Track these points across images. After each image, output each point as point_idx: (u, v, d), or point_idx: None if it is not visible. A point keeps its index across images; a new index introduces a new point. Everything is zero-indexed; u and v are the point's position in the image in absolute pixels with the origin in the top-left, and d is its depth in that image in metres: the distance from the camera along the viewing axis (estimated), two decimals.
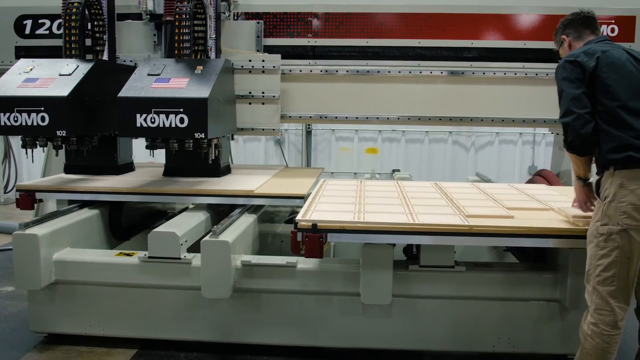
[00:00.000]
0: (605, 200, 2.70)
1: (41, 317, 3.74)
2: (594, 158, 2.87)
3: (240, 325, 3.61)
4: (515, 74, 4.92)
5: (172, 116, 3.65)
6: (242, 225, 3.75)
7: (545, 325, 3.49)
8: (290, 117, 5.10)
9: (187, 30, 4.18)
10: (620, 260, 2.65)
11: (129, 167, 4.92)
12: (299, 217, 3.14)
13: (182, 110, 3.65)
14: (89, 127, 4.13)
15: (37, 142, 3.97)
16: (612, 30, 4.98)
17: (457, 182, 4.80)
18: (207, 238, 3.40)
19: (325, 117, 5.08)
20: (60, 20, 5.24)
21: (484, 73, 4.92)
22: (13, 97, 3.81)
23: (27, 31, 5.31)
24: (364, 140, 8.82)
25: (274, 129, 4.95)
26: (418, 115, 5.01)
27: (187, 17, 4.13)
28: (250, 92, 4.89)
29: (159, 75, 3.90)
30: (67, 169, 4.73)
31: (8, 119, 3.79)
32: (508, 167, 8.69)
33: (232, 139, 5.09)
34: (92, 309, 3.69)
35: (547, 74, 4.86)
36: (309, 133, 8.79)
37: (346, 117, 5.02)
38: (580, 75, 2.75)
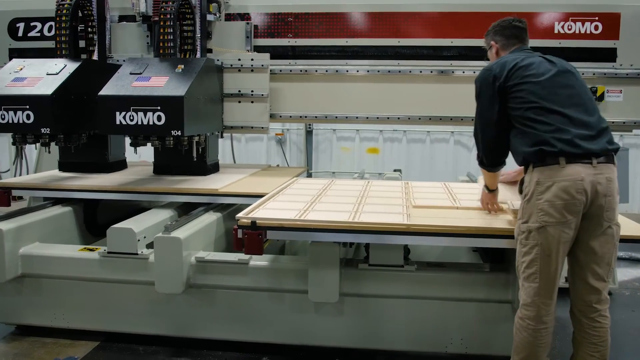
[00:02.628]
0: (525, 198, 2.73)
1: (10, 309, 3.88)
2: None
3: (195, 321, 3.68)
4: None
5: (149, 114, 3.75)
6: (201, 222, 3.82)
7: (498, 327, 3.45)
8: (280, 116, 5.19)
9: (170, 30, 4.27)
10: (541, 257, 2.67)
11: (121, 165, 5.05)
12: (240, 214, 3.20)
13: (159, 108, 3.74)
14: (76, 124, 4.26)
15: (26, 139, 4.09)
16: (596, 28, 4.90)
17: (448, 182, 4.77)
18: (159, 234, 3.48)
19: (326, 117, 5.15)
20: (51, 23, 5.46)
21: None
22: (0, 96, 3.95)
23: (20, 34, 5.50)
24: (365, 140, 8.82)
25: (262, 127, 5.02)
26: (418, 115, 5.04)
27: (171, 17, 4.22)
28: (239, 91, 4.98)
29: (140, 74, 4.01)
30: (61, 166, 4.89)
31: None
32: (512, 167, 8.54)
33: (222, 136, 5.16)
34: (57, 302, 3.82)
35: None
36: (309, 133, 8.83)
37: (348, 117, 5.09)
38: (493, 90, 2.85)
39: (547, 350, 2.79)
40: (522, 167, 2.98)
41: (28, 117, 3.94)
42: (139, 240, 3.63)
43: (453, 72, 4.93)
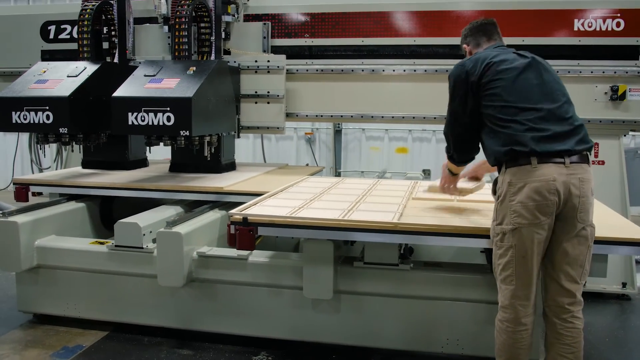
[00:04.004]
0: (498, 199, 2.69)
1: (27, 298, 4.08)
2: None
3: (197, 314, 3.78)
4: None
5: (160, 115, 3.87)
6: (205, 219, 3.92)
7: (494, 329, 3.39)
8: (297, 115, 5.27)
9: (185, 33, 4.41)
10: (516, 259, 2.63)
11: (141, 163, 5.23)
12: (234, 210, 3.27)
13: (168, 109, 3.86)
14: (95, 125, 4.43)
15: (48, 139, 4.30)
16: (618, 25, 4.77)
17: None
18: (161, 229, 3.60)
19: (351, 117, 5.22)
20: None
21: None
22: (23, 97, 4.15)
23: (51, 36, 5.77)
24: (394, 139, 8.79)
25: (278, 128, 5.11)
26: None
27: (186, 20, 4.35)
28: (256, 92, 5.08)
29: (154, 76, 4.14)
30: (84, 164, 5.10)
31: (18, 117, 4.15)
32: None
33: (238, 136, 5.26)
34: (69, 292, 3.99)
35: (557, 71, 4.63)
36: (338, 132, 8.86)
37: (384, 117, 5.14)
38: (466, 86, 2.80)
39: (529, 352, 2.75)
40: (480, 163, 3.02)
41: (48, 117, 4.12)
42: (144, 234, 3.75)
43: None
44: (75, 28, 5.66)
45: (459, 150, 2.98)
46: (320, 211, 3.33)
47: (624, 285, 4.78)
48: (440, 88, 4.84)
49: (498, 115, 2.69)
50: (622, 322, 4.31)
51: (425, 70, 4.95)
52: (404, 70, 4.98)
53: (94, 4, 4.71)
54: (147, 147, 4.58)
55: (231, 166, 5.12)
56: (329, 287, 3.40)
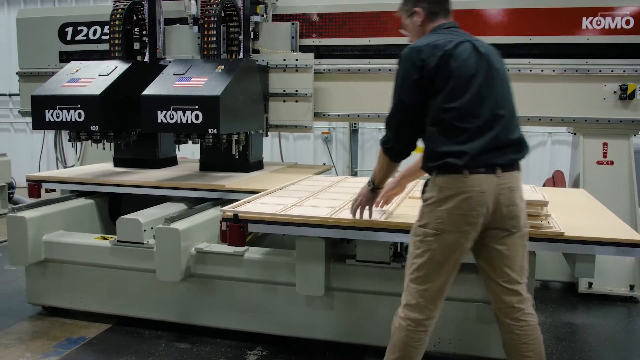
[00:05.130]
0: (426, 202, 2.61)
1: (36, 291, 4.23)
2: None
3: (196, 308, 3.87)
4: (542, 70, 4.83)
5: (188, 113, 3.93)
6: (205, 216, 4.00)
7: (486, 328, 3.39)
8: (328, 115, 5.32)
9: (214, 32, 4.48)
10: (433, 263, 2.57)
11: (171, 162, 5.34)
12: (226, 207, 3.34)
13: (197, 107, 3.92)
14: (125, 123, 4.53)
15: (80, 136, 4.42)
16: (627, 22, 4.71)
17: None
18: (160, 225, 3.69)
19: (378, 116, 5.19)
20: (95, 27, 5.86)
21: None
22: (56, 96, 4.28)
23: (69, 37, 5.93)
24: None
25: (306, 126, 5.16)
26: None
27: (215, 19, 4.42)
28: (284, 90, 5.14)
29: (183, 74, 4.20)
30: (115, 162, 5.23)
31: (51, 115, 4.26)
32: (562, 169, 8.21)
33: (266, 135, 5.32)
34: (75, 286, 4.12)
35: (565, 70, 4.77)
36: (354, 132, 8.88)
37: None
38: (419, 74, 2.54)
39: (422, 353, 2.70)
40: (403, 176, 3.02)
41: (79, 115, 4.22)
42: (144, 230, 3.86)
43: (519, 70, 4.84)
44: (92, 30, 5.87)
45: (400, 140, 2.69)
46: (311, 209, 3.38)
47: (632, 287, 4.70)
48: None
49: (442, 116, 2.54)
50: (626, 325, 4.24)
51: None
52: None
53: (125, 4, 4.83)
54: (176, 145, 4.65)
55: (259, 165, 5.17)
56: (321, 284, 3.44)
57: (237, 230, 3.22)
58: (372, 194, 2.99)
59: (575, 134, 5.14)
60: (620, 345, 3.88)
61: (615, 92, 4.71)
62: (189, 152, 8.09)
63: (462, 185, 2.48)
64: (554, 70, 4.79)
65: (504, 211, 2.54)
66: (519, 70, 4.81)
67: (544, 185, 5.50)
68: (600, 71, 4.71)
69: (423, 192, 2.67)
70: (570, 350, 3.78)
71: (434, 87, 2.55)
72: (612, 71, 4.70)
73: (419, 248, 2.61)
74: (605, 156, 4.83)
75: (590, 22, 4.72)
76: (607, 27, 4.69)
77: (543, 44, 4.80)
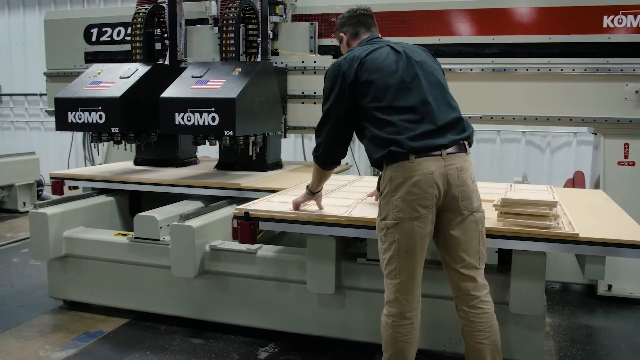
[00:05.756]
0: (382, 195, 2.73)
1: (57, 285, 4.35)
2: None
3: (210, 305, 3.93)
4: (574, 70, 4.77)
5: (205, 115, 4.01)
6: (220, 214, 4.05)
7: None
8: None
9: (232, 35, 4.54)
10: (399, 254, 2.66)
11: (191, 162, 5.42)
12: (240, 206, 3.39)
13: (213, 109, 4.00)
14: (145, 124, 4.62)
15: (101, 138, 4.54)
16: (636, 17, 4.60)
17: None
18: (175, 223, 3.76)
19: None
20: (119, 28, 5.99)
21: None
22: (78, 98, 4.40)
23: (93, 38, 6.08)
24: None
25: None
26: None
27: (233, 22, 4.48)
28: (302, 92, 5.18)
29: (201, 77, 4.28)
30: (136, 162, 5.35)
31: (74, 116, 4.39)
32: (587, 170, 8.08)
33: (285, 136, 5.38)
34: (94, 281, 4.22)
35: (585, 69, 4.70)
36: None
37: None
38: (342, 86, 2.79)
39: (415, 347, 2.78)
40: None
41: (100, 117, 4.34)
42: (161, 227, 3.94)
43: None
44: (115, 31, 6.00)
45: (328, 149, 2.93)
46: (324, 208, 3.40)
47: None
48: (497, 87, 4.88)
49: (374, 115, 2.72)
50: None
51: (493, 70, 4.89)
52: (471, 70, 4.95)
53: (146, 7, 4.93)
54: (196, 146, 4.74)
55: (277, 165, 5.22)
56: (331, 282, 3.47)
57: (247, 227, 3.27)
58: (310, 197, 3.26)
59: (596, 134, 5.06)
60: (637, 349, 3.81)
61: (637, 91, 4.63)
62: (213, 150, 8.19)
63: (410, 170, 2.61)
64: (574, 70, 4.73)
65: (455, 192, 2.65)
66: (538, 70, 4.78)
67: (564, 186, 5.42)
68: (621, 70, 4.63)
69: (378, 187, 2.82)
70: (584, 352, 3.73)
71: (358, 93, 2.77)
72: (633, 70, 4.62)
73: (384, 242, 2.72)
74: (626, 157, 4.75)
75: (612, 21, 4.64)
76: (629, 25, 4.61)
77: (563, 43, 4.74)
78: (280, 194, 3.85)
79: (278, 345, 3.77)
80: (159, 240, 3.94)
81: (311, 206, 3.34)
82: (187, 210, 4.00)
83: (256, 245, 3.74)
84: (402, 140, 2.62)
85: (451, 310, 3.38)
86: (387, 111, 2.70)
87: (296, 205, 3.27)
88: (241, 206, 3.41)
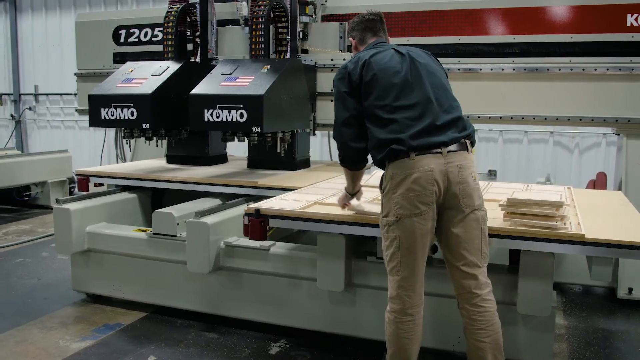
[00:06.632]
0: (384, 193, 2.78)
1: (80, 279, 4.50)
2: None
3: (224, 300, 4.02)
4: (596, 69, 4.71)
5: (233, 111, 4.06)
6: (236, 211, 4.12)
7: (506, 329, 3.35)
8: None
9: (261, 33, 4.59)
10: (401, 250, 2.70)
11: (221, 159, 5.52)
12: (253, 204, 3.47)
13: (241, 106, 4.05)
14: (176, 121, 4.71)
15: (133, 134, 4.65)
16: None
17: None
18: (190, 219, 3.86)
19: None
20: (146, 30, 6.14)
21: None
22: (110, 95, 4.51)
23: (122, 39, 6.25)
24: None
25: None
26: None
27: (262, 20, 4.54)
28: (332, 90, 5.22)
29: (230, 74, 4.34)
30: (168, 159, 5.47)
31: (106, 113, 4.50)
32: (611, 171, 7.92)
33: (313, 134, 5.45)
34: (115, 275, 4.36)
35: (607, 69, 4.63)
36: None
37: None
38: (349, 88, 2.90)
39: (418, 344, 2.81)
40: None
41: (132, 113, 4.43)
42: (178, 223, 4.04)
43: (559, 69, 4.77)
44: (143, 32, 6.14)
45: (349, 152, 2.98)
46: (331, 207, 3.44)
47: None
48: (517, 87, 4.86)
49: (377, 114, 2.79)
50: None
51: (514, 69, 4.86)
52: (491, 69, 4.93)
53: (178, 6, 5.04)
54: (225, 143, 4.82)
55: (306, 163, 5.25)
56: (340, 279, 3.50)
57: (257, 224, 3.34)
58: (348, 197, 3.32)
59: (619, 134, 4.97)
60: None
61: None
62: (240, 149, 8.31)
63: (410, 167, 2.66)
64: (596, 69, 4.66)
65: (455, 189, 2.68)
66: (559, 70, 4.73)
67: (586, 187, 5.34)
68: None
69: (380, 185, 2.86)
70: (597, 355, 3.69)
71: (363, 92, 2.86)
72: None
73: (387, 239, 2.77)
74: None
75: (636, 19, 4.56)
76: None
77: (585, 42, 4.68)
78: (294, 193, 3.91)
79: (289, 341, 3.83)
80: (176, 236, 4.04)
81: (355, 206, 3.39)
82: (203, 208, 4.10)
83: (269, 243, 3.80)
84: (403, 138, 2.68)
85: (457, 311, 3.40)
86: (390, 109, 2.77)
87: (342, 206, 3.35)
88: (253, 204, 3.48)
